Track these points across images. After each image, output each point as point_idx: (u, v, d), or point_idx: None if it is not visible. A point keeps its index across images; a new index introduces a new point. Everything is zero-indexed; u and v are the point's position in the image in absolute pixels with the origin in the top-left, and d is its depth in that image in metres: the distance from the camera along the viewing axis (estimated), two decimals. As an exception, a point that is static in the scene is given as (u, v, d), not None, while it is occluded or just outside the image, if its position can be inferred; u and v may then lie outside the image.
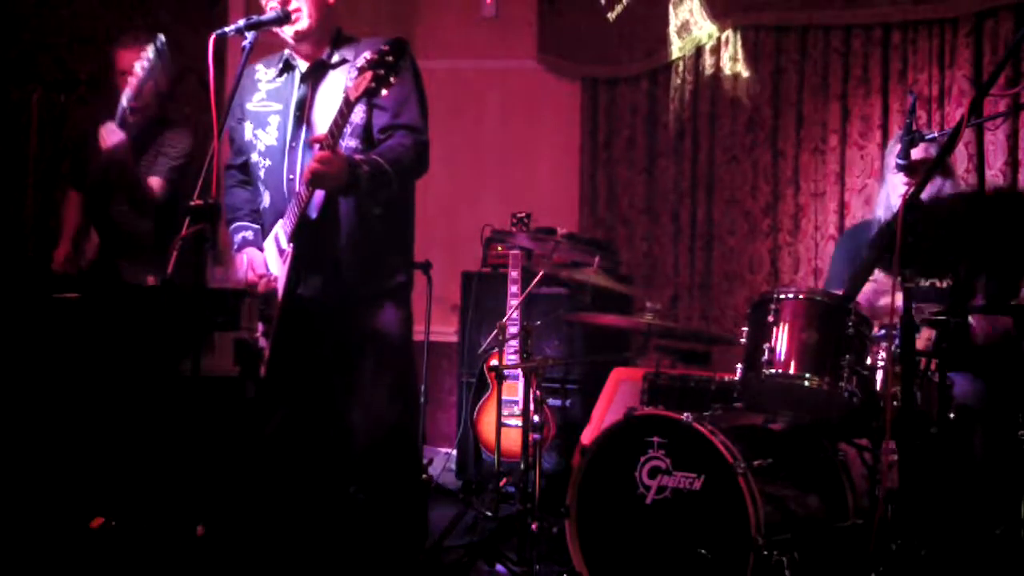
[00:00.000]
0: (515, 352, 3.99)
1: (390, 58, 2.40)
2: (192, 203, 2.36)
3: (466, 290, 4.83)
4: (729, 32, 4.84)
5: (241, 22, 2.55)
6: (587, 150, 5.43)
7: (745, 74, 4.82)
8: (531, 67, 5.60)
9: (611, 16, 5.25)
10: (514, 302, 4.20)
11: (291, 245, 2.72)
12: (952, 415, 2.87)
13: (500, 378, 3.98)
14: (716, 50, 4.92)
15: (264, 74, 2.90)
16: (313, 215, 2.68)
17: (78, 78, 3.96)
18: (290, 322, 2.76)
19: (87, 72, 3.88)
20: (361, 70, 2.45)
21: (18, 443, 3.82)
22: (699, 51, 4.99)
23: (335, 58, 2.79)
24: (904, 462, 2.57)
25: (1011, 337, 3.17)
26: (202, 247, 2.39)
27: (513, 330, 3.95)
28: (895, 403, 2.64)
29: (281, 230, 2.77)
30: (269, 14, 2.67)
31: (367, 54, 2.43)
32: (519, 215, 4.16)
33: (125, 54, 3.62)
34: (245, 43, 2.53)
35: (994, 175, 3.95)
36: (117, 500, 3.58)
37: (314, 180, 2.56)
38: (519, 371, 3.71)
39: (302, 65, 2.82)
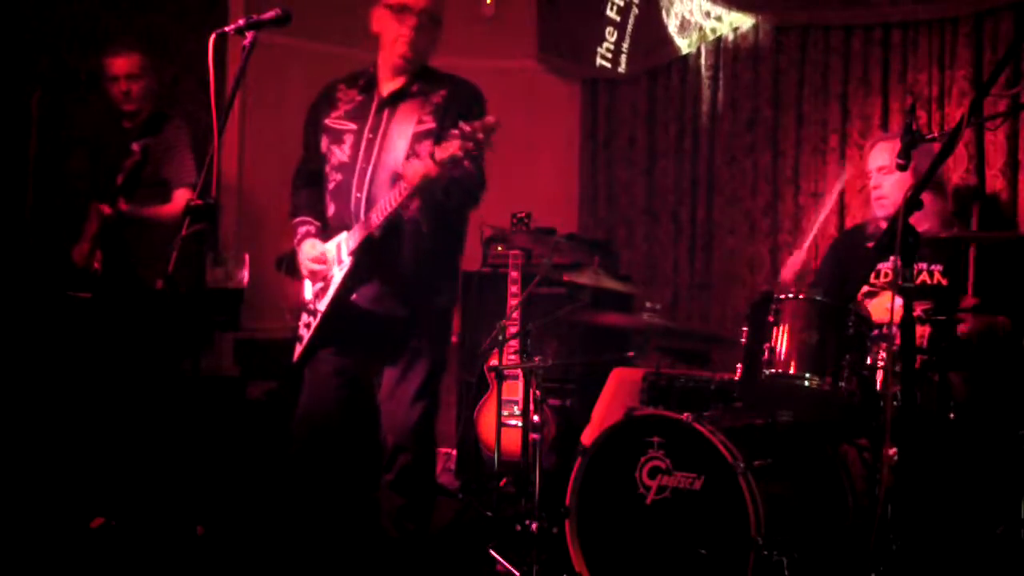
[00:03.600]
0: (515, 352, 3.98)
1: (480, 136, 2.58)
2: (192, 203, 2.36)
3: (466, 290, 4.82)
4: (729, 31, 4.84)
5: (241, 21, 2.55)
6: (587, 150, 5.42)
7: (745, 73, 4.81)
8: (531, 67, 5.59)
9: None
10: (514, 302, 4.20)
11: (351, 258, 2.88)
12: (952, 415, 2.87)
13: (500, 378, 3.97)
14: (716, 49, 4.92)
15: (344, 92, 3.05)
16: (377, 235, 2.85)
17: (78, 78, 3.97)
18: (335, 320, 2.94)
19: (87, 72, 3.89)
20: (449, 134, 2.64)
21: (19, 442, 3.82)
22: (699, 51, 4.99)
23: (414, 88, 2.96)
24: (904, 462, 2.57)
25: (999, 334, 3.16)
26: (202, 247, 2.40)
27: (513, 330, 3.95)
28: (895, 403, 2.64)
29: (344, 242, 2.92)
30: (270, 14, 2.66)
31: (464, 126, 2.59)
32: (519, 215, 4.16)
33: (115, 62, 3.76)
34: (245, 43, 2.54)
35: (994, 175, 3.95)
36: (117, 500, 3.58)
37: (420, 183, 2.72)
38: (519, 371, 3.71)
39: (384, 89, 2.98)
